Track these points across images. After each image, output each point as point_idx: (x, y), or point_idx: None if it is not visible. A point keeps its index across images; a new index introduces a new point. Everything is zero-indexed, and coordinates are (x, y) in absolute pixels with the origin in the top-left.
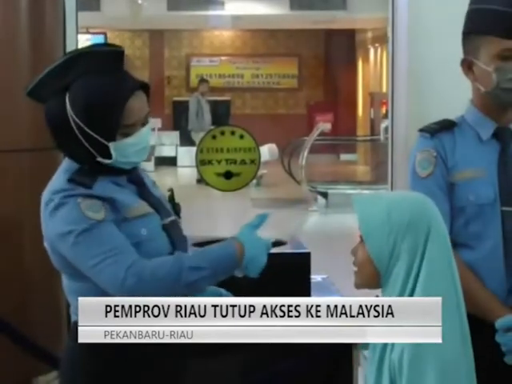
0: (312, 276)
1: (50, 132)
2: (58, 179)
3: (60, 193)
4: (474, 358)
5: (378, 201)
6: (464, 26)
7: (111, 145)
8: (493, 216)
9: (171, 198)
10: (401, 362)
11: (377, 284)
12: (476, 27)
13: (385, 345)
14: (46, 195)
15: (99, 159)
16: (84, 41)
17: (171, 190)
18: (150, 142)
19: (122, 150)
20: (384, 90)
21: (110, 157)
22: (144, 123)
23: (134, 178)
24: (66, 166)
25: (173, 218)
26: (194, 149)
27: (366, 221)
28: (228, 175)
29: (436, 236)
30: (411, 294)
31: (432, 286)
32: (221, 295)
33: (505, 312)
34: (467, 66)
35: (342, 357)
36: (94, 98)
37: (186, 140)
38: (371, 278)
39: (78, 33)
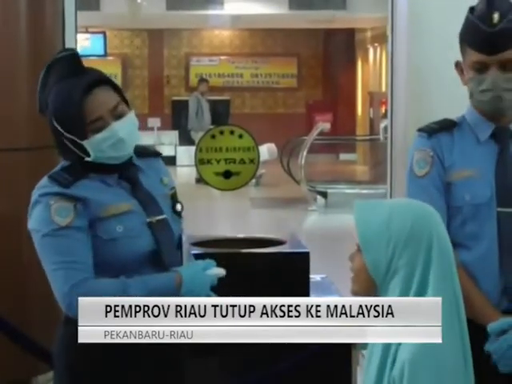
0: (311, 275)
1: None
2: (43, 179)
3: (39, 190)
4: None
5: (378, 208)
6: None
7: (85, 143)
8: (489, 216)
9: (173, 197)
10: (401, 379)
11: (374, 292)
12: (461, 34)
13: (384, 362)
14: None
15: (86, 159)
16: (83, 40)
17: (173, 188)
18: (130, 134)
19: (96, 146)
20: (383, 89)
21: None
22: (118, 116)
23: (128, 174)
24: (62, 163)
25: (163, 216)
26: (193, 148)
27: (364, 229)
28: (227, 174)
29: (439, 248)
30: None
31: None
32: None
33: (497, 317)
34: (460, 69)
35: (341, 356)
36: (57, 102)
37: (185, 139)
38: (368, 286)
39: (77, 32)
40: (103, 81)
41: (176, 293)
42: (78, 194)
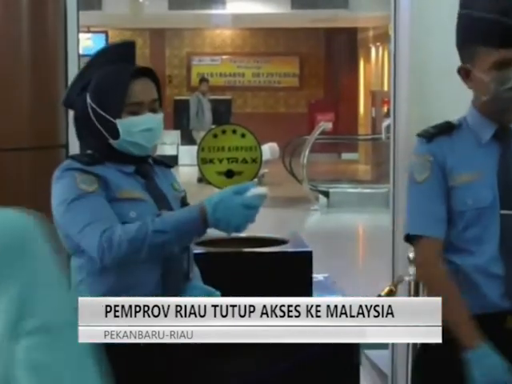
0: (313, 275)
1: (75, 129)
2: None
3: (61, 168)
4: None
5: None
6: (457, 33)
7: (118, 121)
8: (492, 220)
9: (183, 199)
10: None
11: None
12: (470, 37)
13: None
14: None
15: (110, 141)
16: (85, 40)
17: (184, 192)
18: (158, 129)
19: (128, 127)
20: (385, 88)
21: (118, 137)
22: (153, 110)
23: (142, 170)
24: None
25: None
26: (194, 148)
27: None
28: (229, 174)
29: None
30: None
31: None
32: (205, 294)
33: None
34: (464, 73)
35: (343, 357)
36: (103, 79)
37: (187, 139)
38: None
39: (79, 32)
40: (152, 74)
41: (202, 225)
42: (99, 172)
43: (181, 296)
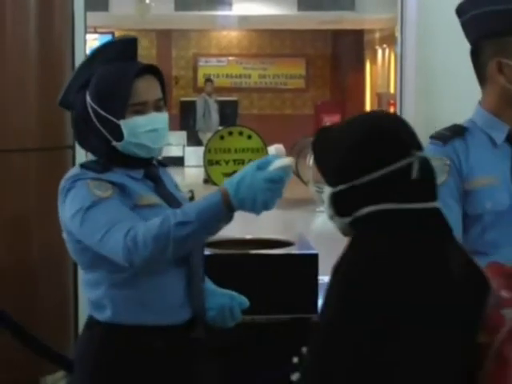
0: (320, 277)
1: (73, 130)
2: (73, 169)
3: (70, 178)
4: None
5: None
6: (478, 31)
7: (121, 122)
8: (509, 223)
9: (191, 199)
10: None
11: None
12: (504, 28)
13: None
14: (60, 184)
15: (114, 143)
16: (92, 40)
17: (192, 192)
18: (164, 129)
19: (133, 128)
20: (391, 90)
21: (122, 138)
22: (158, 109)
23: (150, 173)
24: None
25: None
26: (200, 149)
27: None
28: None
29: None
30: None
31: None
32: (232, 298)
33: None
34: (497, 67)
35: None
36: (104, 78)
37: (193, 140)
38: None
39: (86, 32)
40: (156, 72)
41: (227, 209)
42: (115, 179)
43: (206, 303)
